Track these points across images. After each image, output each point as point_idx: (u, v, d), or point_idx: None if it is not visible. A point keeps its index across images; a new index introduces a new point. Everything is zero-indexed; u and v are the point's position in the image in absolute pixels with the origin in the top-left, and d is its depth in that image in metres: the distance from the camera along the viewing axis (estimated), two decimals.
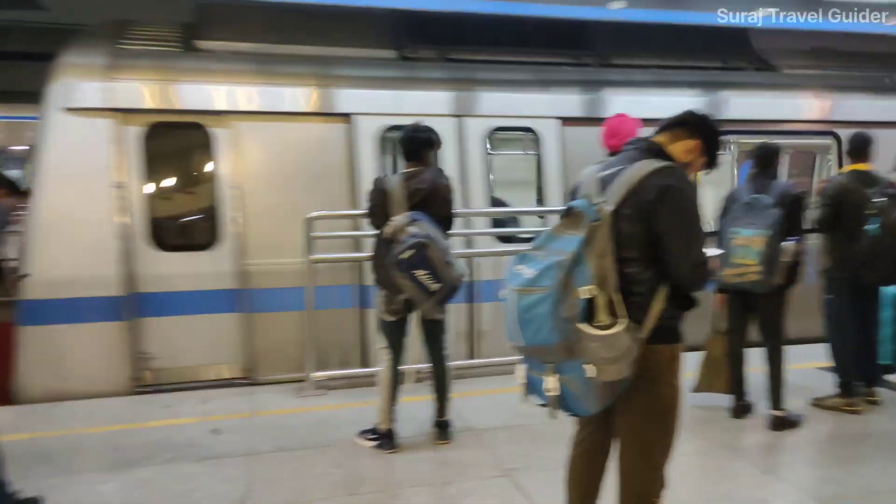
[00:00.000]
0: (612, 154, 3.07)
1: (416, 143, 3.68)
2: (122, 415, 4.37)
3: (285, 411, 4.44)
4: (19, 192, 3.24)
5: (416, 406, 4.10)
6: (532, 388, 2.14)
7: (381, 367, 3.78)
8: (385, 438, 3.74)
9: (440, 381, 3.86)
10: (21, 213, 3.28)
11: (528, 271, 2.02)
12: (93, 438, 3.97)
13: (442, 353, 3.85)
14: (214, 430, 4.06)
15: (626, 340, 1.93)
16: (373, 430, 3.81)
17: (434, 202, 3.62)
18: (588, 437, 2.35)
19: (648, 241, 2.02)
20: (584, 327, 1.92)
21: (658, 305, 2.03)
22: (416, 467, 3.54)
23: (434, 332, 3.82)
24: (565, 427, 2.45)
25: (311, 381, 4.80)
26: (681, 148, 2.21)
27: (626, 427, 2.14)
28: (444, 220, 3.70)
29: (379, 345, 3.82)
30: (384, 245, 3.52)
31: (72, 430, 4.09)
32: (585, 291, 1.92)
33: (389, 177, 3.68)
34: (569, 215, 2.09)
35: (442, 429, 3.87)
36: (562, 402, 2.05)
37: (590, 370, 1.92)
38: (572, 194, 2.37)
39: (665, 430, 2.12)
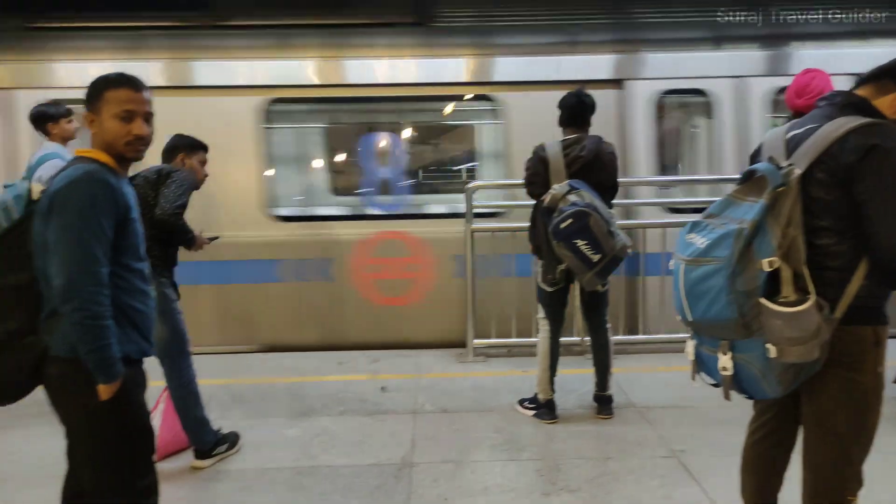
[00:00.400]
0: (797, 116, 2.72)
1: (583, 108, 3.55)
2: (303, 368, 4.80)
3: (447, 375, 4.60)
4: (202, 148, 3.44)
5: (576, 378, 4.05)
6: (703, 365, 2.00)
7: (539, 337, 3.77)
8: (545, 408, 3.74)
9: (601, 355, 3.76)
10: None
11: (700, 240, 1.86)
12: (278, 387, 4.41)
13: (604, 326, 3.74)
14: (383, 388, 4.33)
15: (816, 319, 1.72)
16: (532, 400, 3.83)
17: (595, 170, 3.49)
18: (768, 423, 2.14)
19: (846, 210, 1.78)
20: (767, 303, 1.74)
21: (857, 282, 1.79)
22: (576, 440, 3.50)
23: (595, 304, 3.72)
24: (740, 411, 2.27)
25: (471, 348, 4.93)
26: (889, 102, 1.90)
27: (815, 416, 1.92)
28: (607, 188, 3.56)
29: (538, 315, 3.81)
30: (543, 214, 3.47)
31: (261, 379, 4.58)
32: (767, 263, 1.73)
33: (549, 144, 3.58)
34: (749, 180, 1.90)
35: (603, 403, 3.79)
36: (737, 383, 1.89)
37: (772, 350, 1.74)
38: (753, 157, 2.15)
39: (862, 422, 1.87)
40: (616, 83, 5.15)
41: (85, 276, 1.76)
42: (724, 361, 1.86)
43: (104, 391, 1.82)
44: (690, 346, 2.02)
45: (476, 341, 4.93)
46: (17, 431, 3.65)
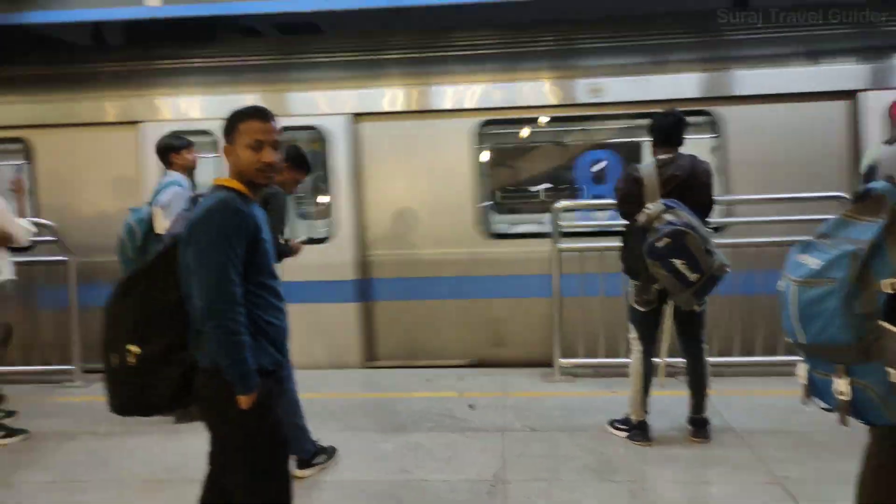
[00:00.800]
0: None
1: (678, 128, 3.53)
2: (391, 384, 4.93)
3: (534, 394, 4.60)
4: (306, 170, 3.69)
5: (668, 400, 3.96)
6: (815, 389, 1.94)
7: (632, 357, 3.73)
8: (637, 430, 3.69)
9: (697, 377, 3.67)
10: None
11: (813, 261, 1.83)
12: (369, 402, 4.55)
13: (700, 347, 3.66)
14: (471, 406, 4.39)
15: None
16: (625, 421, 3.78)
17: (691, 189, 3.45)
18: (886, 451, 2.05)
19: None
20: (888, 326, 1.69)
21: None
22: (671, 463, 3.43)
23: (691, 325, 3.64)
24: (849, 435, 2.17)
25: (558, 367, 4.91)
26: None
27: None
28: (703, 206, 3.51)
29: (630, 335, 3.77)
30: (637, 234, 3.45)
31: (353, 394, 4.74)
32: (889, 285, 1.68)
33: (643, 164, 3.58)
34: (865, 199, 1.85)
35: (698, 426, 3.69)
36: (854, 409, 1.83)
37: (894, 374, 1.68)
38: (867, 175, 2.08)
39: None
40: (133, 125, 5.51)
41: (221, 297, 1.92)
42: (841, 386, 1.81)
43: (243, 401, 1.97)
44: (802, 370, 1.96)
45: (562, 360, 4.92)
46: (135, 438, 3.95)
